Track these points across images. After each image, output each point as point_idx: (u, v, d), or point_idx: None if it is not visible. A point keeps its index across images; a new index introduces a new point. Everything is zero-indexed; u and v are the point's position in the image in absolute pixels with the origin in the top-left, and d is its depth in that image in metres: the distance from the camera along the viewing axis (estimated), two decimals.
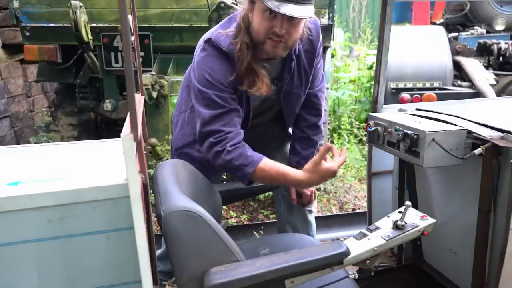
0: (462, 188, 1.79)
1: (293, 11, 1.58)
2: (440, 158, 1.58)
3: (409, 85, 4.43)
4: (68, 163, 1.55)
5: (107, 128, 4.39)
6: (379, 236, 1.36)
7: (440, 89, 4.38)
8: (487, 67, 4.77)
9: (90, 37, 3.16)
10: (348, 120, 4.83)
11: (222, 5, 2.83)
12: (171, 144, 2.10)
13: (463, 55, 4.83)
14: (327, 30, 3.33)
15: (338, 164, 1.68)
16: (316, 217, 2.50)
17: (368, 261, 1.34)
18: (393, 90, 4.42)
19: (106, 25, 3.40)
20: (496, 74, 4.55)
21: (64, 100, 4.01)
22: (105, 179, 1.32)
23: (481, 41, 4.93)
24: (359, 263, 1.34)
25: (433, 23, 5.68)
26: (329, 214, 3.55)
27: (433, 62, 4.51)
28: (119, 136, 1.13)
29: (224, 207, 3.34)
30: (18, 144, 4.61)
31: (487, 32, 5.49)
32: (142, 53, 3.28)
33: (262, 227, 3.21)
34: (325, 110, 3.62)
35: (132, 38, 1.60)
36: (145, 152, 1.37)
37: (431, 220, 1.43)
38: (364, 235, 1.37)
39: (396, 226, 1.38)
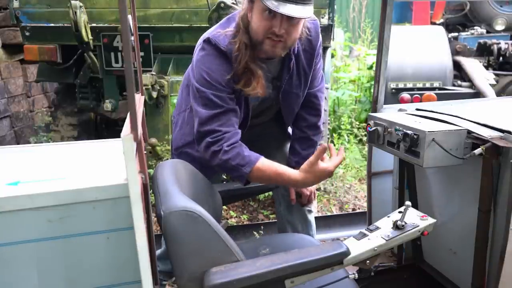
0: (462, 188, 1.79)
1: (292, 11, 1.58)
2: (440, 158, 1.58)
3: (409, 85, 4.43)
4: (68, 163, 1.55)
5: (107, 128, 4.39)
6: (379, 236, 1.36)
7: (440, 89, 4.38)
8: (487, 67, 4.77)
9: (90, 37, 3.16)
10: (348, 120, 4.83)
11: (222, 5, 2.83)
12: (171, 144, 2.10)
13: (463, 55, 4.83)
14: (327, 30, 3.33)
15: (335, 164, 1.68)
16: (316, 217, 2.50)
17: (368, 261, 1.34)
18: (393, 90, 4.41)
19: (106, 25, 3.40)
20: (496, 74, 4.54)
21: (64, 100, 4.01)
22: (105, 179, 1.32)
23: (481, 41, 4.93)
24: (359, 263, 1.34)
25: (433, 23, 5.68)
26: (329, 214, 3.55)
27: (433, 62, 4.50)
28: (119, 136, 1.13)
29: (224, 207, 3.34)
30: (18, 144, 4.61)
31: (487, 32, 5.49)
32: (142, 53, 3.28)
33: (262, 227, 3.21)
34: (325, 110, 3.63)
35: (132, 38, 1.60)
36: (145, 152, 1.37)
37: (431, 220, 1.43)
38: (364, 235, 1.37)
39: (396, 226, 1.38)
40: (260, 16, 1.65)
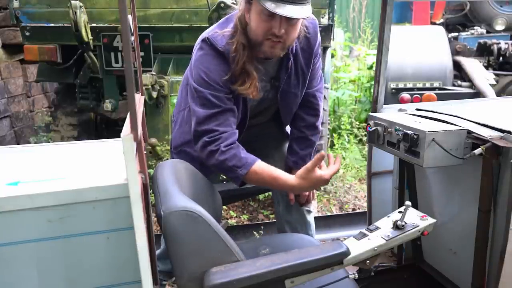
0: (462, 188, 1.79)
1: (291, 12, 1.58)
2: (440, 158, 1.58)
3: (409, 85, 4.43)
4: (68, 163, 1.55)
5: (107, 128, 4.39)
6: (379, 236, 1.36)
7: (440, 89, 4.38)
8: (487, 67, 4.76)
9: (90, 37, 3.16)
10: (348, 120, 4.83)
11: (222, 5, 2.83)
12: (170, 142, 2.11)
13: (463, 55, 4.83)
14: (327, 30, 3.33)
15: (331, 173, 1.69)
16: (316, 217, 2.50)
17: (368, 261, 1.34)
18: (393, 90, 4.41)
19: (106, 25, 3.40)
20: (496, 74, 4.54)
21: (64, 100, 4.01)
22: (105, 179, 1.32)
23: (481, 41, 4.93)
24: (359, 263, 1.34)
25: (433, 23, 5.68)
26: (329, 214, 3.55)
27: (433, 62, 4.50)
28: (119, 136, 1.13)
29: (224, 207, 3.34)
30: (18, 144, 4.61)
31: (487, 32, 5.49)
32: (142, 53, 3.28)
33: (262, 227, 3.21)
34: (325, 110, 3.64)
35: (132, 38, 1.60)
36: (145, 152, 1.37)
37: (431, 220, 1.43)
38: (364, 235, 1.37)
39: (396, 226, 1.38)
40: (258, 17, 1.65)
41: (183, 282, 1.22)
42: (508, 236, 1.51)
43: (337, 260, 1.28)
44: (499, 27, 5.42)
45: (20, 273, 1.27)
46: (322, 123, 2.73)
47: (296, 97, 1.95)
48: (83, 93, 3.79)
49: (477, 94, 4.25)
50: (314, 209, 2.89)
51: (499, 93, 4.34)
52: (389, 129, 1.76)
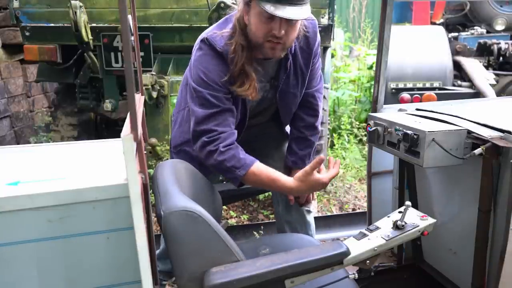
0: (462, 188, 1.79)
1: (291, 13, 1.58)
2: (440, 158, 1.58)
3: (409, 85, 4.43)
4: (68, 163, 1.55)
5: (107, 128, 4.39)
6: (379, 236, 1.36)
7: (440, 89, 4.38)
8: (487, 67, 4.77)
9: (90, 37, 3.16)
10: (348, 120, 4.83)
11: (222, 5, 2.83)
12: (170, 142, 2.11)
13: (463, 55, 4.83)
14: (327, 30, 3.33)
15: (330, 176, 1.69)
16: (316, 217, 2.50)
17: (368, 261, 1.34)
18: (393, 90, 4.41)
19: (106, 25, 3.39)
20: (496, 74, 4.55)
21: (64, 100, 4.01)
22: (105, 179, 1.32)
23: (481, 41, 4.93)
24: (359, 263, 1.34)
25: (433, 23, 5.68)
26: (329, 214, 3.55)
27: (433, 62, 4.50)
28: (119, 136, 1.13)
29: (224, 207, 3.34)
30: (18, 144, 4.61)
31: (487, 32, 5.49)
32: (142, 53, 3.28)
33: (262, 227, 3.21)
34: (325, 110, 3.64)
35: (132, 38, 1.60)
36: (145, 152, 1.37)
37: (431, 220, 1.43)
38: (364, 235, 1.37)
39: (396, 226, 1.38)
40: (258, 19, 1.65)
41: (183, 282, 1.22)
42: (508, 236, 1.51)
43: (337, 260, 1.28)
44: (499, 27, 5.42)
45: (20, 273, 1.27)
46: (322, 123, 2.73)
47: (295, 97, 1.94)
48: (83, 93, 3.78)
49: (477, 94, 4.25)
50: (314, 209, 2.89)
51: (499, 93, 4.34)
52: (389, 129, 1.76)
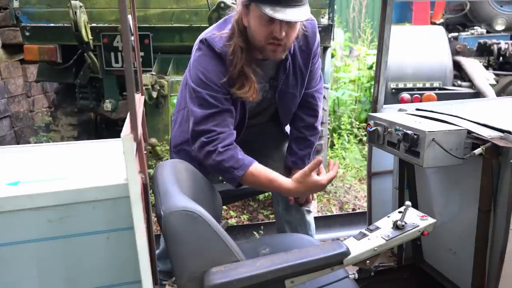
0: (462, 188, 1.79)
1: (291, 15, 1.58)
2: (440, 158, 1.58)
3: (409, 85, 4.43)
4: (68, 163, 1.55)
5: (107, 128, 4.39)
6: (379, 236, 1.36)
7: (440, 89, 4.38)
8: (487, 67, 4.77)
9: (90, 37, 3.16)
10: (348, 120, 4.83)
11: (222, 5, 2.83)
12: (170, 141, 2.11)
13: (463, 55, 4.83)
14: (327, 30, 3.33)
15: (328, 178, 1.69)
16: (316, 217, 2.50)
17: (368, 261, 1.34)
18: (393, 90, 4.41)
19: (106, 25, 3.39)
20: (496, 74, 4.54)
21: (64, 100, 4.01)
22: (105, 179, 1.32)
23: (481, 41, 4.93)
24: (359, 263, 1.34)
25: (433, 23, 5.68)
26: (329, 214, 3.55)
27: (433, 62, 4.50)
28: (119, 136, 1.13)
29: (224, 207, 3.34)
30: (18, 144, 4.61)
31: (487, 32, 5.49)
32: (142, 53, 3.28)
33: (262, 227, 3.21)
34: (325, 110, 3.64)
35: (132, 38, 1.60)
36: (145, 152, 1.37)
37: (431, 220, 1.43)
38: (364, 235, 1.37)
39: (396, 226, 1.38)
40: (258, 22, 1.65)
41: (183, 282, 1.22)
42: (508, 236, 1.51)
43: (337, 260, 1.28)
44: (499, 27, 5.42)
45: (20, 273, 1.27)
46: (322, 123, 2.72)
47: (294, 98, 1.94)
48: (83, 93, 3.78)
49: (477, 94, 4.25)
50: (314, 209, 2.89)
51: (499, 93, 4.34)
52: (389, 129, 1.76)
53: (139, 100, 1.68)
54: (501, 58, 4.78)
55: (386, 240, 1.34)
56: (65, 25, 3.34)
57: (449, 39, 4.89)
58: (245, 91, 1.73)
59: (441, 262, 2.01)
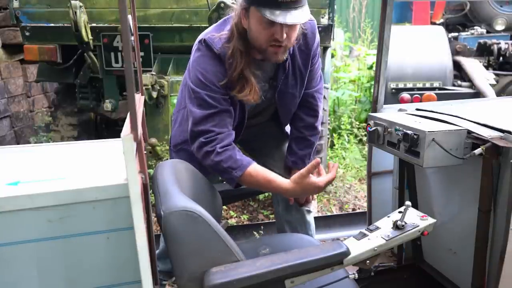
0: (462, 188, 1.79)
1: (291, 18, 1.58)
2: (440, 158, 1.58)
3: (409, 85, 4.43)
4: (68, 163, 1.55)
5: (107, 128, 4.39)
6: (379, 236, 1.36)
7: (440, 89, 4.38)
8: (487, 67, 4.76)
9: (90, 37, 3.16)
10: (348, 120, 4.83)
11: (222, 5, 2.82)
12: (169, 141, 2.11)
13: (463, 55, 4.83)
14: (327, 30, 3.33)
15: (326, 181, 1.69)
16: (316, 217, 2.50)
17: (368, 261, 1.34)
18: (393, 90, 4.41)
19: (106, 25, 3.39)
20: (496, 74, 4.54)
21: (64, 100, 4.01)
22: (105, 179, 1.32)
23: (481, 41, 4.93)
24: (359, 263, 1.34)
25: (433, 23, 5.68)
26: (329, 214, 3.55)
27: (433, 62, 4.50)
28: (119, 136, 1.13)
29: (224, 207, 3.34)
30: (18, 144, 4.61)
31: (487, 32, 5.49)
32: (142, 53, 3.28)
33: (262, 227, 3.21)
34: (325, 110, 3.64)
35: (132, 38, 1.60)
36: (145, 152, 1.37)
37: (431, 220, 1.43)
38: (364, 235, 1.37)
39: (396, 226, 1.38)
40: (259, 25, 1.65)
41: (183, 282, 1.22)
42: (508, 236, 1.51)
43: (337, 260, 1.28)
44: (499, 27, 5.42)
45: (20, 273, 1.27)
46: (322, 123, 2.72)
47: (294, 98, 1.94)
48: (83, 93, 3.78)
49: (477, 94, 4.25)
50: (314, 209, 2.89)
51: (499, 93, 4.34)
52: (389, 129, 1.76)
53: (139, 100, 1.68)
54: (501, 58, 4.78)
55: (386, 240, 1.34)
56: (65, 25, 3.34)
57: (449, 39, 4.89)
58: (246, 93, 1.73)
59: (441, 262, 2.01)
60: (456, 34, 5.52)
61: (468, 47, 4.95)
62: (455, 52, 4.76)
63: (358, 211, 3.59)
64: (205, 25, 2.92)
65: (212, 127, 1.71)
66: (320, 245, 1.70)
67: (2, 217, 1.22)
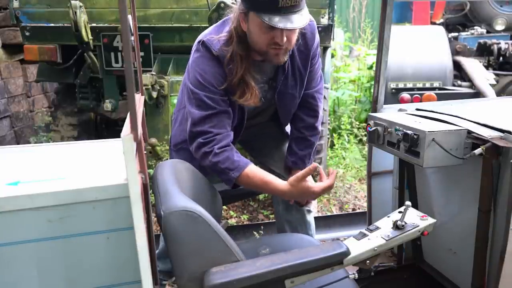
0: (462, 188, 1.79)
1: (291, 23, 1.58)
2: (440, 158, 1.58)
3: (409, 85, 4.43)
4: (68, 163, 1.55)
5: (107, 128, 4.39)
6: (379, 236, 1.36)
7: (440, 89, 4.38)
8: (487, 67, 4.76)
9: (90, 37, 3.16)
10: (348, 120, 4.83)
11: (222, 5, 2.82)
12: (169, 140, 2.11)
13: (463, 55, 4.83)
14: (327, 30, 3.33)
15: (322, 187, 1.70)
16: (316, 217, 2.50)
17: (368, 261, 1.34)
18: (393, 90, 4.41)
19: (106, 25, 3.39)
20: (496, 74, 4.54)
21: (64, 100, 4.01)
22: (105, 179, 1.32)
23: (481, 41, 4.93)
24: (359, 263, 1.34)
25: (433, 23, 5.68)
26: (329, 214, 3.55)
27: (433, 62, 4.50)
28: (119, 136, 1.13)
29: (224, 207, 3.34)
30: (18, 144, 4.61)
31: (487, 32, 5.49)
32: (142, 53, 3.28)
33: (262, 227, 3.21)
34: (325, 110, 3.64)
35: (132, 38, 1.60)
36: (145, 152, 1.37)
37: (431, 220, 1.43)
38: (364, 235, 1.37)
39: (396, 226, 1.38)
40: (258, 30, 1.65)
41: (183, 282, 1.22)
42: (508, 236, 1.51)
43: (337, 260, 1.28)
44: (499, 27, 5.42)
45: (20, 273, 1.27)
46: (322, 123, 2.72)
47: (293, 98, 1.94)
48: (83, 93, 3.78)
49: (477, 94, 4.25)
50: (314, 209, 2.89)
51: (499, 93, 4.34)
52: (389, 129, 1.76)
53: (139, 100, 1.68)
54: (501, 58, 4.78)
55: (386, 240, 1.34)
56: (65, 25, 3.34)
57: (449, 39, 4.89)
58: (247, 98, 1.74)
59: (441, 262, 2.01)
60: (456, 34, 5.52)
61: (468, 47, 4.95)
62: (455, 52, 4.76)
63: (358, 211, 3.59)
64: (205, 25, 2.92)
65: (210, 128, 1.71)
66: (320, 245, 1.70)
67: (2, 217, 1.22)
